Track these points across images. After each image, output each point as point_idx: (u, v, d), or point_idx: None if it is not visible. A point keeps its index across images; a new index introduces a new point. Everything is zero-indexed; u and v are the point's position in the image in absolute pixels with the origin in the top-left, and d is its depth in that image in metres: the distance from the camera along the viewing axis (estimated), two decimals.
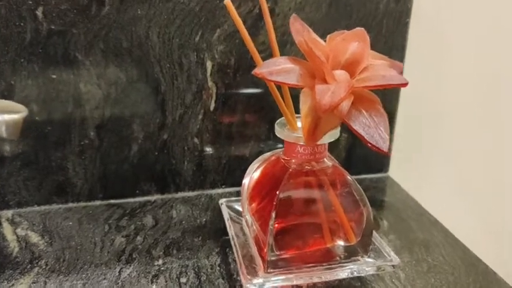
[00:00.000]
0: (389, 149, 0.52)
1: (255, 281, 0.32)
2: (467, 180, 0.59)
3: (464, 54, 0.52)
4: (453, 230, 0.42)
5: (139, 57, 0.41)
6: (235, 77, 0.44)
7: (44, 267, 0.36)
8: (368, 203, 0.34)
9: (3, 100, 0.40)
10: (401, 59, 0.47)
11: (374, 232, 0.38)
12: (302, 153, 0.33)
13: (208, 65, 0.43)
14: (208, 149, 0.46)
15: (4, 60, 0.39)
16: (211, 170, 0.47)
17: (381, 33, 0.46)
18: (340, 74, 0.28)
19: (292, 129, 0.34)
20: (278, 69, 0.28)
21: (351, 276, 0.35)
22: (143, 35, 0.40)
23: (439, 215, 0.45)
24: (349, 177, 0.35)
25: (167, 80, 0.42)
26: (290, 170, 0.33)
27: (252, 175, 0.37)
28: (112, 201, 0.46)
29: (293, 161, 0.34)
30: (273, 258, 0.33)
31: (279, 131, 0.33)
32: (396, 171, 0.53)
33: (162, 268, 0.36)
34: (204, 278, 0.35)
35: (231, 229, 0.38)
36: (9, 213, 0.44)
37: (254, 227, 0.36)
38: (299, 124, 0.33)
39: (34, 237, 0.40)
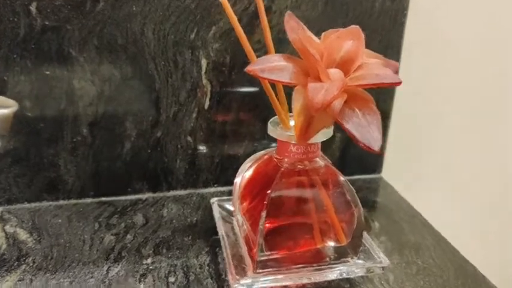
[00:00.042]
0: (383, 149, 0.52)
1: (243, 281, 0.32)
2: (460, 184, 0.59)
3: (461, 54, 0.52)
4: (444, 232, 0.42)
5: (134, 54, 0.41)
6: (231, 75, 0.43)
7: (31, 264, 0.36)
8: (360, 204, 0.34)
9: None
10: (397, 58, 0.47)
11: (365, 233, 0.38)
12: (295, 152, 0.33)
13: (203, 62, 0.42)
14: (202, 148, 0.46)
15: None
16: (204, 169, 0.47)
17: (377, 32, 0.46)
18: (334, 73, 0.28)
19: (286, 128, 0.33)
20: (271, 67, 0.28)
21: (340, 277, 0.34)
22: (138, 32, 0.40)
23: (431, 217, 0.45)
24: (341, 177, 0.35)
25: (162, 78, 0.42)
26: (282, 169, 0.33)
27: (244, 174, 0.37)
28: (103, 199, 0.46)
29: (286, 160, 0.33)
30: (263, 259, 0.33)
31: (272, 130, 0.33)
32: (390, 172, 0.53)
33: (151, 267, 0.36)
34: (193, 278, 0.35)
35: (221, 228, 0.38)
36: None
37: (245, 227, 0.35)
38: (292, 123, 0.33)
39: (22, 235, 0.40)
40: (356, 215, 0.34)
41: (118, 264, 0.36)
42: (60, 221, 0.42)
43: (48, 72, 0.40)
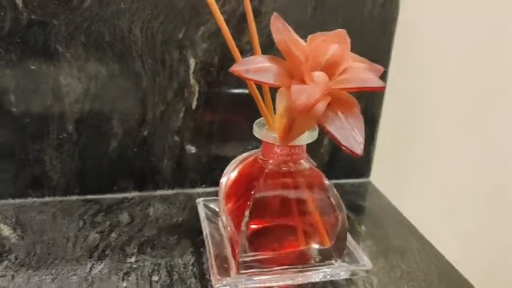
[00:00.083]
0: (371, 154, 0.52)
1: (225, 281, 0.32)
2: (447, 189, 0.59)
3: (449, 60, 0.52)
4: (430, 237, 0.42)
5: (121, 51, 0.41)
6: (219, 75, 0.43)
7: (13, 261, 0.36)
8: (343, 207, 0.34)
9: None
10: (386, 63, 0.47)
11: (349, 237, 0.38)
12: (279, 153, 0.33)
13: (191, 62, 0.42)
14: (190, 148, 0.46)
15: None
16: (192, 169, 0.47)
17: (366, 37, 0.46)
18: (319, 75, 0.28)
19: (271, 129, 0.33)
20: (256, 68, 0.28)
21: (324, 280, 0.34)
22: (126, 30, 0.40)
23: (418, 222, 0.45)
24: (326, 180, 0.35)
25: (149, 76, 0.42)
26: (267, 170, 0.33)
27: (230, 175, 0.36)
28: (89, 196, 0.45)
29: (270, 161, 0.33)
30: (246, 259, 0.33)
31: (257, 131, 0.33)
32: (378, 176, 0.53)
33: (134, 266, 0.36)
34: (176, 277, 0.35)
35: (205, 228, 0.38)
36: None
37: (229, 228, 0.35)
38: None
39: (6, 231, 0.40)
40: (340, 218, 0.34)
41: (101, 262, 0.36)
42: (44, 217, 0.42)
43: (33, 67, 0.39)
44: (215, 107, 0.45)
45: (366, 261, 0.35)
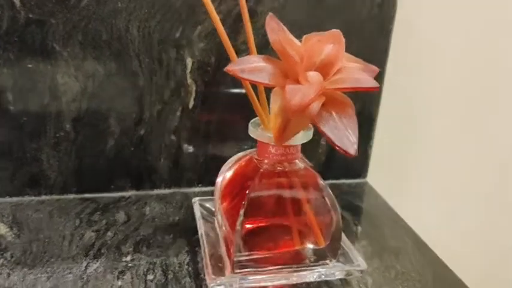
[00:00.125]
0: (368, 154, 0.52)
1: (220, 281, 0.32)
2: (444, 189, 0.59)
3: (447, 60, 0.52)
4: (426, 238, 0.42)
5: (118, 50, 0.41)
6: (216, 75, 0.43)
7: (9, 259, 0.36)
8: (338, 208, 0.34)
9: None
10: (383, 62, 0.47)
11: (344, 237, 0.38)
12: (274, 153, 0.33)
13: (188, 61, 0.42)
14: (187, 147, 0.46)
15: None
16: (188, 168, 0.47)
17: (364, 37, 0.46)
18: (313, 75, 0.28)
19: (266, 129, 0.33)
20: (250, 67, 0.28)
21: (319, 279, 0.35)
22: (123, 28, 0.40)
23: (414, 222, 0.45)
24: (320, 180, 0.35)
25: (146, 75, 0.42)
26: (261, 170, 0.33)
27: (225, 174, 0.37)
28: (86, 195, 0.46)
29: (265, 161, 0.34)
30: (241, 259, 0.33)
31: (252, 131, 0.33)
32: (375, 177, 0.53)
33: (130, 264, 0.36)
34: (171, 276, 0.35)
35: (201, 228, 0.38)
36: None
37: (224, 227, 0.35)
38: None
39: (2, 229, 0.40)
40: (335, 218, 0.34)
41: (97, 261, 0.36)
42: (41, 216, 0.42)
43: (31, 66, 0.39)
44: (212, 107, 0.45)
45: (360, 261, 0.35)
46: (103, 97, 0.42)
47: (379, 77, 0.47)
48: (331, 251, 0.35)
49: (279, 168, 0.34)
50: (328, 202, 0.34)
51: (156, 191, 0.47)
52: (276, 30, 0.29)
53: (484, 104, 0.55)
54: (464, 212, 0.61)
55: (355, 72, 0.29)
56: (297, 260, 0.35)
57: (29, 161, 0.43)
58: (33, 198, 0.44)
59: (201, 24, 0.41)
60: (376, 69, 0.30)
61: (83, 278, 0.34)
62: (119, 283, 0.34)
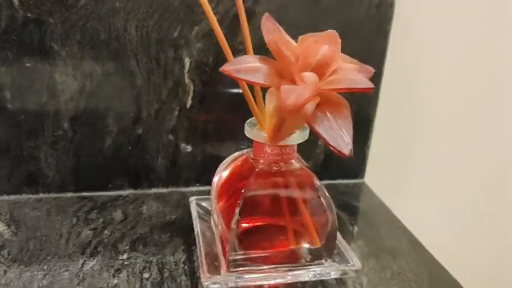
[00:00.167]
0: (366, 155, 0.52)
1: (215, 279, 0.32)
2: (441, 190, 0.59)
3: (444, 61, 0.52)
4: (423, 239, 0.42)
5: (116, 50, 0.41)
6: (213, 75, 0.44)
7: (6, 256, 0.36)
8: (334, 208, 0.34)
9: None
10: (381, 63, 0.47)
11: (340, 237, 0.38)
12: (270, 153, 0.33)
13: (186, 61, 0.43)
14: (185, 146, 0.46)
15: None
16: (186, 168, 0.47)
17: (361, 38, 0.46)
18: (309, 76, 0.28)
19: (262, 129, 0.34)
20: (246, 68, 0.28)
21: (314, 279, 0.35)
22: (121, 28, 0.40)
23: (410, 223, 0.45)
24: (316, 180, 0.35)
25: (143, 75, 0.42)
26: (257, 169, 0.33)
27: (221, 174, 0.37)
28: (84, 193, 0.46)
29: (261, 161, 0.34)
30: (236, 258, 0.33)
31: (248, 131, 0.33)
32: (372, 178, 0.53)
33: (126, 263, 0.36)
34: (167, 275, 0.35)
35: (197, 226, 0.38)
36: None
37: (220, 226, 0.35)
38: None
39: (0, 227, 0.40)
40: (330, 218, 0.34)
41: (93, 259, 0.36)
42: (38, 214, 0.42)
43: (29, 65, 0.40)
44: (210, 106, 0.45)
45: (355, 261, 0.35)
46: (101, 96, 0.42)
47: (377, 78, 0.48)
48: (326, 251, 0.35)
49: (275, 168, 0.34)
50: (324, 202, 0.34)
51: (153, 190, 0.47)
52: (272, 31, 0.29)
53: (482, 105, 0.55)
54: (461, 212, 0.61)
55: (350, 73, 0.29)
56: (292, 260, 0.35)
57: (26, 159, 0.43)
58: (30, 196, 0.45)
59: (199, 24, 0.41)
60: (371, 70, 0.30)
61: (79, 275, 0.34)
62: (115, 281, 0.34)
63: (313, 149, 0.50)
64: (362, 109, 0.49)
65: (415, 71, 0.52)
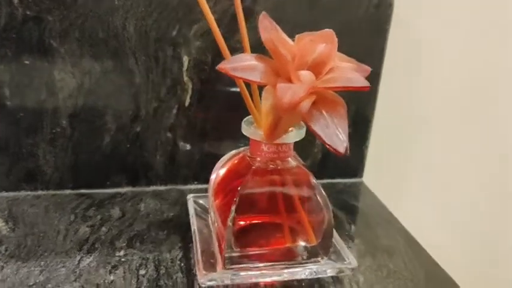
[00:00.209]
0: (364, 154, 0.52)
1: (211, 276, 0.32)
2: (440, 190, 0.59)
3: (443, 60, 0.52)
4: (420, 238, 0.42)
5: (115, 48, 0.41)
6: (212, 73, 0.44)
7: (3, 252, 0.36)
8: (330, 206, 0.34)
9: None
10: (380, 63, 0.47)
11: (337, 235, 0.38)
12: (266, 151, 0.33)
13: (185, 60, 0.43)
14: (184, 145, 0.46)
15: None
16: (184, 165, 0.47)
17: (360, 37, 0.46)
18: (305, 75, 0.28)
19: (259, 127, 0.34)
20: (242, 66, 0.28)
21: (310, 277, 0.35)
22: (120, 26, 0.40)
23: (408, 222, 0.45)
24: (313, 179, 0.35)
25: (142, 73, 0.42)
26: (254, 167, 0.33)
27: (219, 171, 0.37)
28: (82, 191, 0.46)
29: (258, 159, 0.34)
30: (232, 255, 0.33)
31: (245, 129, 0.33)
32: (370, 177, 0.53)
33: (123, 259, 0.36)
34: (163, 271, 0.35)
35: (194, 224, 0.38)
36: None
37: (216, 223, 0.36)
38: None
39: None
40: (326, 216, 0.34)
41: (90, 255, 0.37)
42: (37, 211, 0.42)
43: (27, 62, 0.40)
44: (208, 105, 0.45)
45: (351, 259, 0.35)
46: (99, 94, 0.42)
47: (375, 78, 0.48)
48: (322, 249, 0.35)
49: (271, 166, 0.34)
50: (320, 200, 0.34)
51: (151, 188, 0.47)
52: (269, 29, 0.29)
53: (481, 105, 0.56)
54: (458, 212, 0.61)
55: (347, 72, 0.29)
56: (288, 257, 0.35)
57: (25, 157, 0.43)
58: (29, 193, 0.45)
59: (198, 22, 0.42)
60: (368, 69, 0.30)
61: (76, 272, 0.34)
62: (111, 277, 0.34)
63: (311, 147, 0.50)
64: (360, 108, 0.49)
65: (413, 70, 0.52)
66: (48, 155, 0.44)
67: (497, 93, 0.56)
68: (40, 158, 0.44)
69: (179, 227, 0.41)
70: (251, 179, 0.33)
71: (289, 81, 0.28)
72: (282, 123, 0.28)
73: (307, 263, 0.35)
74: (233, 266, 0.33)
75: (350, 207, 0.48)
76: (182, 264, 0.36)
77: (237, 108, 0.45)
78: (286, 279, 0.34)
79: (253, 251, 0.34)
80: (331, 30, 0.30)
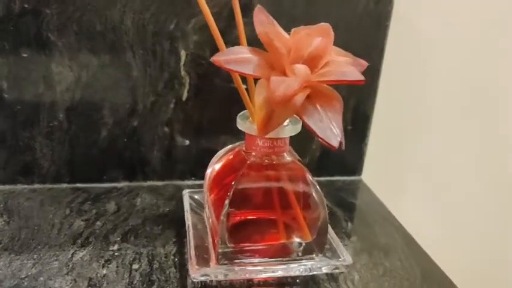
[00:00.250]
0: (363, 152, 0.52)
1: (204, 271, 0.32)
2: (438, 189, 0.59)
3: (444, 58, 0.52)
4: (417, 237, 0.42)
5: (112, 41, 0.41)
6: (209, 68, 0.43)
7: None
8: (325, 202, 0.34)
9: None
10: (379, 59, 0.47)
11: (332, 233, 0.38)
12: (261, 146, 0.33)
13: (182, 54, 0.42)
14: (183, 140, 0.46)
15: None
16: (181, 161, 0.47)
17: (360, 33, 0.45)
18: (300, 68, 0.28)
19: (254, 121, 0.33)
20: (236, 58, 0.28)
21: (305, 273, 0.34)
22: (117, 20, 0.40)
23: (407, 220, 0.44)
24: (308, 175, 0.34)
25: (139, 67, 0.42)
26: (248, 162, 0.33)
27: (214, 166, 0.37)
28: (78, 185, 0.46)
29: (253, 154, 0.33)
30: (226, 250, 0.33)
31: (240, 123, 0.33)
32: (369, 175, 0.53)
33: (116, 254, 0.36)
34: (157, 266, 0.35)
35: (188, 219, 0.38)
36: None
37: (211, 219, 0.35)
38: None
39: None
40: (321, 212, 0.34)
41: (84, 249, 0.36)
42: (32, 204, 0.42)
43: (25, 55, 0.40)
44: (205, 99, 0.45)
45: (346, 256, 0.35)
46: (97, 87, 0.42)
47: (375, 74, 0.48)
48: (317, 246, 0.35)
49: (266, 161, 0.33)
50: (315, 196, 0.34)
51: (148, 183, 0.47)
52: (265, 23, 0.29)
53: (481, 102, 0.55)
54: (456, 211, 0.60)
55: (342, 66, 0.29)
56: (283, 254, 0.35)
57: (22, 150, 0.43)
58: (25, 186, 0.45)
59: (196, 17, 0.41)
60: (365, 63, 0.30)
61: (69, 265, 0.34)
62: (104, 271, 0.34)
63: (310, 144, 0.50)
64: (360, 105, 0.49)
65: (413, 67, 0.51)
66: (45, 149, 0.44)
67: (499, 90, 0.55)
68: (37, 151, 0.44)
69: (174, 222, 0.41)
70: (246, 173, 0.33)
71: (284, 74, 0.28)
72: (275, 116, 0.28)
73: (301, 259, 0.35)
74: (227, 262, 0.33)
75: (348, 205, 0.48)
76: (176, 259, 0.36)
77: (235, 103, 0.45)
78: (280, 275, 0.34)
79: (247, 246, 0.34)
80: (327, 24, 0.29)
